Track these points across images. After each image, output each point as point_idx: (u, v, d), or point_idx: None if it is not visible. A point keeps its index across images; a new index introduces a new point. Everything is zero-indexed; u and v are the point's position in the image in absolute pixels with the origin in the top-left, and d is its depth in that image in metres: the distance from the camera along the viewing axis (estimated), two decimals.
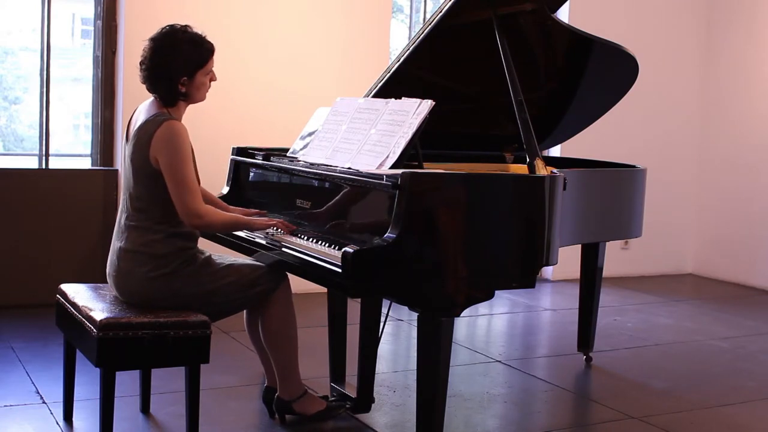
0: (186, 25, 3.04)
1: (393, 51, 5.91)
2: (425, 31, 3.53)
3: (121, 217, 3.05)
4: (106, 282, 3.17)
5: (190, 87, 3.00)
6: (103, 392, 2.85)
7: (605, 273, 4.45)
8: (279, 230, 3.18)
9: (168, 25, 3.04)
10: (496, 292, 2.92)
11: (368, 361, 3.49)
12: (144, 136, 2.92)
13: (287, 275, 3.17)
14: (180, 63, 2.96)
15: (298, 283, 3.19)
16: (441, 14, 3.48)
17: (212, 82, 3.08)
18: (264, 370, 3.40)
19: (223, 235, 3.41)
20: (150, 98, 3.06)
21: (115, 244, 3.04)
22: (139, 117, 3.02)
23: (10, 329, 4.51)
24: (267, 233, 3.22)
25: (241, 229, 3.24)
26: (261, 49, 5.49)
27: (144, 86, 3.04)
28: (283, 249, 3.04)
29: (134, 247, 2.97)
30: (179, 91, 2.98)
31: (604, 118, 4.38)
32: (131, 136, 3.00)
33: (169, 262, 2.96)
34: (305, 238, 3.05)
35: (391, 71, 3.63)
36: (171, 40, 2.98)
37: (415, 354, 2.86)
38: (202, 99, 3.08)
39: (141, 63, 3.02)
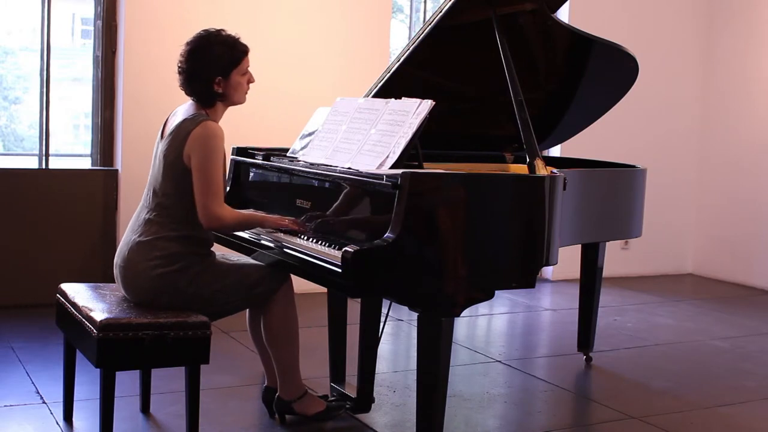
0: (220, 29, 3.11)
1: (393, 51, 5.91)
2: (425, 31, 3.53)
3: (141, 212, 3.07)
4: (106, 282, 3.17)
5: (227, 87, 3.07)
6: (103, 392, 2.85)
7: (605, 273, 4.44)
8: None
9: (203, 30, 3.11)
10: (496, 292, 2.91)
11: (368, 361, 3.49)
12: (181, 133, 2.97)
13: (290, 275, 3.18)
14: (214, 63, 3.04)
15: (298, 283, 3.19)
16: (441, 14, 3.48)
17: (250, 84, 3.14)
18: (264, 370, 3.40)
19: (224, 235, 3.41)
20: (189, 101, 3.12)
21: (130, 236, 3.05)
22: (177, 116, 3.07)
23: (10, 329, 4.51)
24: (269, 232, 3.21)
25: (253, 227, 3.24)
26: (261, 49, 5.47)
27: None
28: (284, 249, 3.04)
29: (149, 240, 2.99)
30: (215, 91, 3.05)
31: (604, 118, 4.38)
32: (167, 134, 3.04)
33: (177, 261, 2.97)
34: (305, 238, 3.05)
35: (391, 71, 3.63)
36: (204, 42, 3.07)
37: (415, 354, 2.86)
38: (241, 101, 3.15)
39: (178, 67, 3.09)
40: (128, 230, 3.09)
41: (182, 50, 3.09)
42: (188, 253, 3.00)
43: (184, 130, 2.97)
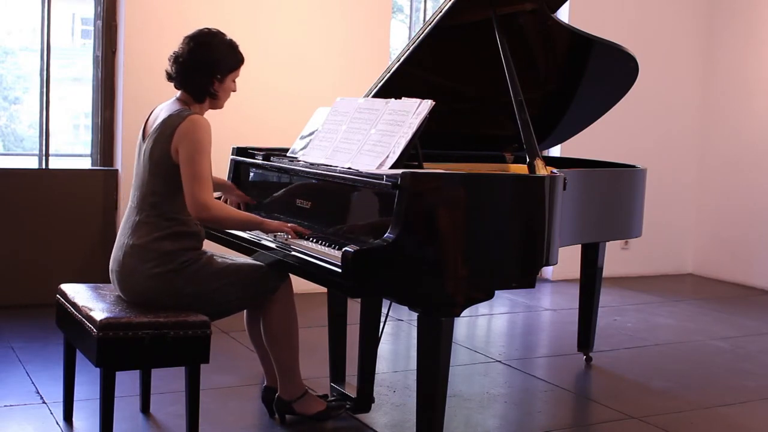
0: (220, 30, 3.14)
1: (393, 51, 5.91)
2: (425, 31, 3.53)
3: (130, 215, 3.06)
4: (106, 282, 3.17)
5: (220, 88, 3.09)
6: (103, 392, 2.85)
7: (605, 273, 4.45)
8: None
9: (205, 27, 3.13)
10: (496, 292, 2.92)
11: (368, 361, 3.49)
12: (167, 130, 2.96)
13: (289, 275, 3.17)
14: (218, 61, 3.06)
15: (298, 283, 3.19)
16: (441, 14, 3.48)
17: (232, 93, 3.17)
18: (264, 370, 3.40)
19: (224, 235, 3.41)
20: (170, 99, 3.10)
21: (122, 240, 3.04)
22: (160, 114, 3.05)
23: (10, 329, 4.51)
24: (274, 235, 3.20)
25: (251, 230, 3.22)
26: (261, 49, 5.48)
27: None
28: (284, 249, 3.04)
29: (143, 242, 2.98)
30: (211, 88, 3.06)
31: (604, 118, 4.38)
32: (151, 132, 3.02)
33: (173, 260, 2.97)
34: (305, 238, 3.05)
35: (391, 71, 3.63)
36: (210, 39, 3.08)
37: (415, 354, 2.86)
38: (221, 107, 3.16)
39: (176, 57, 3.06)
40: (120, 234, 3.08)
41: (184, 42, 3.07)
42: (181, 249, 2.99)
43: (169, 126, 2.96)
